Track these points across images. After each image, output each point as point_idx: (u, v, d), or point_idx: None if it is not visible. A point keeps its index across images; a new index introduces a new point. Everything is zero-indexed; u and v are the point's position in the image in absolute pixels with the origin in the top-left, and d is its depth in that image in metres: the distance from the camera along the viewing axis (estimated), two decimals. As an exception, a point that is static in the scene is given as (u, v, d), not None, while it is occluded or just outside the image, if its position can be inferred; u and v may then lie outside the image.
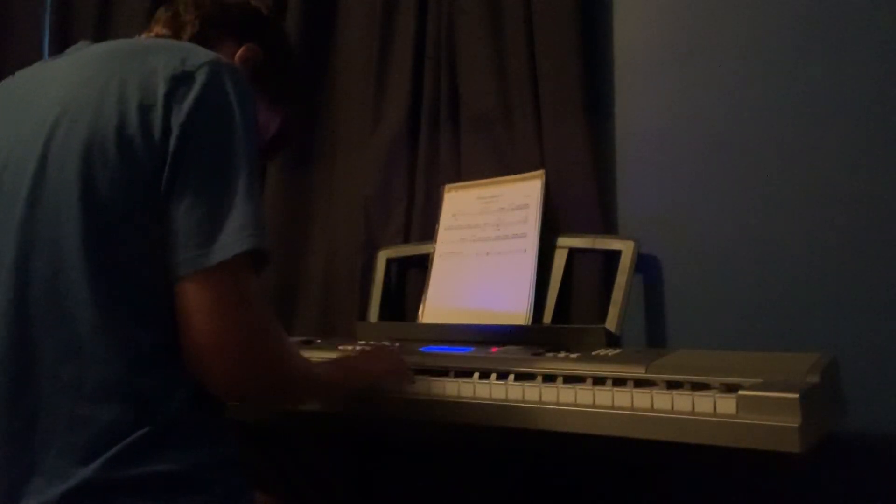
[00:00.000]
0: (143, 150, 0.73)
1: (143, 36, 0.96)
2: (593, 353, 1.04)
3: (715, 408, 0.78)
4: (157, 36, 0.95)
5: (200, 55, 0.79)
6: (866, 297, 1.16)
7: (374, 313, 1.47)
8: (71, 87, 0.78)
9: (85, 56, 0.84)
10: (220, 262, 0.72)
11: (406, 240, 1.52)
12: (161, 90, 0.74)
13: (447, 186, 1.44)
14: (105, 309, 0.72)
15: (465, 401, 0.93)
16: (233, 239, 0.73)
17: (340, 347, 1.19)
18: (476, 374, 0.94)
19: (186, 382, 0.75)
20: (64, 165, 0.73)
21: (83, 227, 0.72)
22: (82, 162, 0.73)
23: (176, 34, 0.95)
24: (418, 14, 1.54)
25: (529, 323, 1.23)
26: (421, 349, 1.14)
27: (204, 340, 0.72)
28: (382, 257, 1.50)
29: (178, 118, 0.74)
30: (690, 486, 1.20)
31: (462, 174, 1.46)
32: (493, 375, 0.93)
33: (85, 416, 0.70)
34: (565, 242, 1.30)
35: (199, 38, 0.93)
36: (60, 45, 2.04)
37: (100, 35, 1.93)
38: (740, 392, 0.77)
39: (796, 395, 0.74)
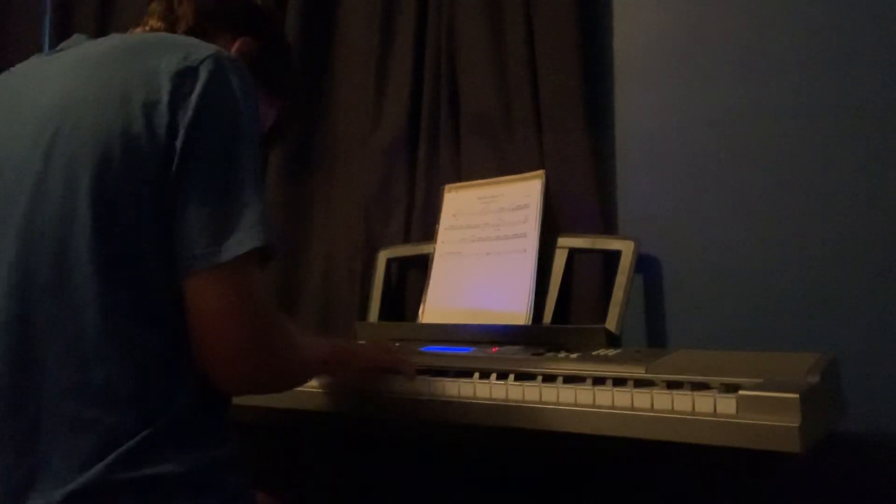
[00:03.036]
0: (150, 149, 0.73)
1: (139, 30, 0.95)
2: (593, 353, 1.04)
3: (715, 408, 0.78)
4: (152, 29, 0.94)
5: (202, 49, 0.79)
6: (866, 297, 1.16)
7: (374, 313, 1.47)
8: (71, 86, 0.78)
9: (83, 53, 0.83)
10: (233, 258, 0.72)
11: (406, 240, 1.52)
12: (165, 87, 0.74)
13: (447, 186, 1.44)
14: (111, 311, 0.71)
15: (465, 401, 0.93)
16: (244, 235, 0.73)
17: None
18: (476, 374, 0.94)
19: (189, 385, 0.74)
20: (69, 165, 0.73)
21: (91, 229, 0.71)
22: (88, 162, 0.72)
23: (171, 27, 0.94)
24: (418, 14, 1.54)
25: (529, 323, 1.23)
26: (421, 349, 1.15)
27: (216, 336, 0.73)
28: (382, 257, 1.50)
29: (184, 116, 0.74)
30: (691, 486, 1.20)
31: (462, 174, 1.46)
32: (493, 375, 0.93)
33: (88, 418, 0.70)
34: (565, 242, 1.30)
35: (195, 31, 0.92)
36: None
37: (100, 34, 1.93)
38: (740, 392, 0.77)
39: (796, 395, 0.74)
